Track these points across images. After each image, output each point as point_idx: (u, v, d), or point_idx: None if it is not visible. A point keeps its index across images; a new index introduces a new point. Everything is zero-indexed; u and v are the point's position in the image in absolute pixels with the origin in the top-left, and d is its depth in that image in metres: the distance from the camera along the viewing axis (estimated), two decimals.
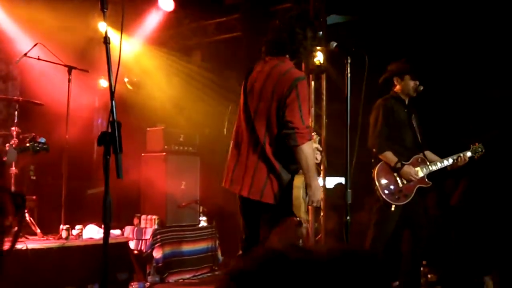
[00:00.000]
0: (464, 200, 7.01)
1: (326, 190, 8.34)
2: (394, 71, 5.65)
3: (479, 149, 5.59)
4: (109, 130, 2.70)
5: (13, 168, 6.32)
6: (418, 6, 7.54)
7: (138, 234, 7.07)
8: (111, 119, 2.70)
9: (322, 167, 8.22)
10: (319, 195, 3.94)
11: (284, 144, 3.77)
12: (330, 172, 8.49)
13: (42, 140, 5.78)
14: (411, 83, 5.54)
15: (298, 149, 3.72)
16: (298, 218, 3.79)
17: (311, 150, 3.81)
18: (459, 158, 5.52)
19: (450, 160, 5.54)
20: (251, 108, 3.86)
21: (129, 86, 9.64)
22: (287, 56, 3.94)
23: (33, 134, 5.87)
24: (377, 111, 5.53)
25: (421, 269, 6.00)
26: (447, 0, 7.33)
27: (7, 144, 5.74)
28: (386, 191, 5.31)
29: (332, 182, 9.11)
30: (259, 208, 3.84)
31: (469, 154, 5.56)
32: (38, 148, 5.77)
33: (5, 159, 5.61)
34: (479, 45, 7.38)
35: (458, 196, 7.12)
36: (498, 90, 7.09)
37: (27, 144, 5.74)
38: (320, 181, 8.26)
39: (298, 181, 3.83)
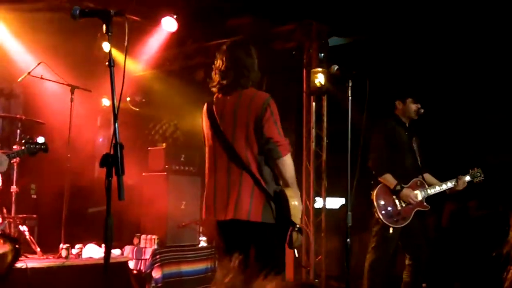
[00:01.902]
0: (452, 222, 7.06)
1: (328, 211, 8.33)
2: (396, 94, 5.69)
3: (478, 173, 5.61)
4: (112, 152, 2.72)
5: (14, 186, 6.33)
6: (421, 28, 7.60)
7: (137, 253, 7.06)
8: (114, 141, 2.72)
9: (322, 188, 8.22)
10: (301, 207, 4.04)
11: (266, 160, 3.88)
12: (333, 193, 8.49)
13: (41, 140, 5.67)
14: (413, 106, 5.58)
15: (281, 161, 3.86)
16: (298, 226, 3.84)
17: (291, 161, 3.95)
18: (458, 182, 5.54)
19: (449, 184, 5.56)
20: (227, 134, 3.95)
21: (131, 106, 9.71)
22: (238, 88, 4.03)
23: (28, 136, 5.80)
24: (378, 134, 5.56)
25: None
26: (450, 23, 7.38)
27: None
28: (385, 213, 5.32)
29: (337, 203, 9.12)
30: (247, 229, 3.85)
31: (468, 178, 5.58)
32: (35, 150, 5.67)
33: None
34: (482, 68, 7.43)
35: (446, 218, 7.17)
36: (499, 114, 7.14)
37: (23, 147, 5.64)
38: (320, 201, 8.28)
39: (291, 192, 3.90)
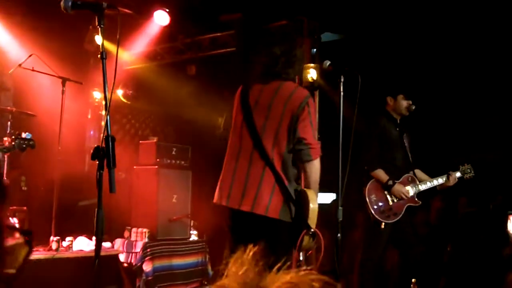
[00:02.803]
0: (440, 219, 7.09)
1: (320, 206, 8.33)
2: (387, 90, 5.70)
3: (468, 170, 5.64)
4: (103, 145, 2.71)
5: (5, 178, 6.29)
6: (413, 25, 7.61)
7: (128, 247, 7.04)
8: (105, 134, 2.71)
9: None
10: None
11: (293, 159, 3.84)
12: (324, 188, 8.49)
13: (28, 136, 5.64)
14: (404, 103, 5.59)
15: (310, 164, 3.82)
16: (312, 230, 3.81)
17: (319, 165, 3.91)
18: (449, 178, 5.57)
19: (440, 180, 5.59)
20: (257, 124, 3.87)
21: (123, 99, 9.69)
22: (283, 77, 3.96)
23: (17, 131, 5.76)
24: (369, 130, 5.57)
25: (411, 287, 6.01)
26: (442, 20, 7.41)
27: None
28: (376, 209, 5.34)
29: (329, 198, 9.10)
30: (261, 224, 3.81)
31: (458, 174, 5.61)
32: (24, 145, 5.65)
33: None
34: (473, 65, 7.46)
35: (434, 215, 7.20)
36: (491, 112, 7.18)
37: (12, 143, 5.61)
38: None
39: (312, 194, 3.87)
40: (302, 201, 3.84)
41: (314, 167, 3.85)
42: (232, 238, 3.98)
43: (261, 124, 3.86)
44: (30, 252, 5.01)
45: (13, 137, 5.62)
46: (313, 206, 3.82)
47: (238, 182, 3.85)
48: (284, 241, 3.83)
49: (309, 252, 8.15)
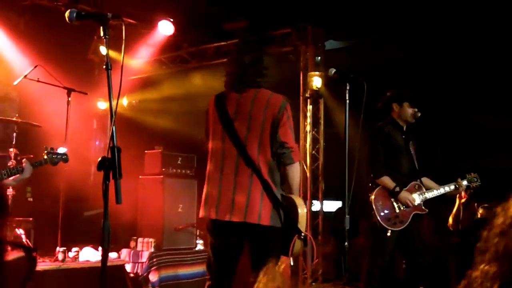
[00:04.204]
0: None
1: (325, 214, 8.31)
2: (393, 97, 5.67)
3: (475, 178, 5.61)
4: (109, 155, 2.70)
5: (10, 189, 6.28)
6: (417, 30, 7.61)
7: (134, 257, 7.04)
8: (111, 144, 2.70)
9: (319, 191, 8.21)
10: None
11: (276, 164, 3.86)
12: (330, 196, 8.47)
13: (62, 150, 5.67)
14: (410, 110, 5.56)
15: (292, 167, 3.86)
16: (303, 234, 3.81)
17: (300, 168, 3.99)
18: (457, 186, 5.55)
19: (447, 188, 5.56)
20: (240, 134, 3.86)
21: (128, 109, 9.71)
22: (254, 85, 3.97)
23: (51, 146, 5.77)
24: (375, 137, 5.54)
25: None
26: (446, 27, 7.40)
27: (23, 160, 5.42)
28: (383, 216, 5.30)
29: (334, 206, 9.10)
30: (253, 232, 3.81)
31: (465, 182, 5.58)
32: (57, 159, 5.66)
33: (20, 176, 5.39)
34: (478, 71, 7.45)
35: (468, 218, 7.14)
36: (492, 117, 7.14)
37: (45, 157, 5.63)
38: (317, 204, 8.27)
39: (299, 200, 3.91)
40: (290, 207, 3.86)
41: (296, 170, 3.90)
42: (217, 250, 3.96)
43: (244, 133, 3.86)
44: (33, 267, 5.00)
45: (45, 151, 5.63)
46: (301, 212, 3.86)
47: (226, 193, 3.83)
48: (276, 247, 3.83)
49: (316, 261, 8.13)
